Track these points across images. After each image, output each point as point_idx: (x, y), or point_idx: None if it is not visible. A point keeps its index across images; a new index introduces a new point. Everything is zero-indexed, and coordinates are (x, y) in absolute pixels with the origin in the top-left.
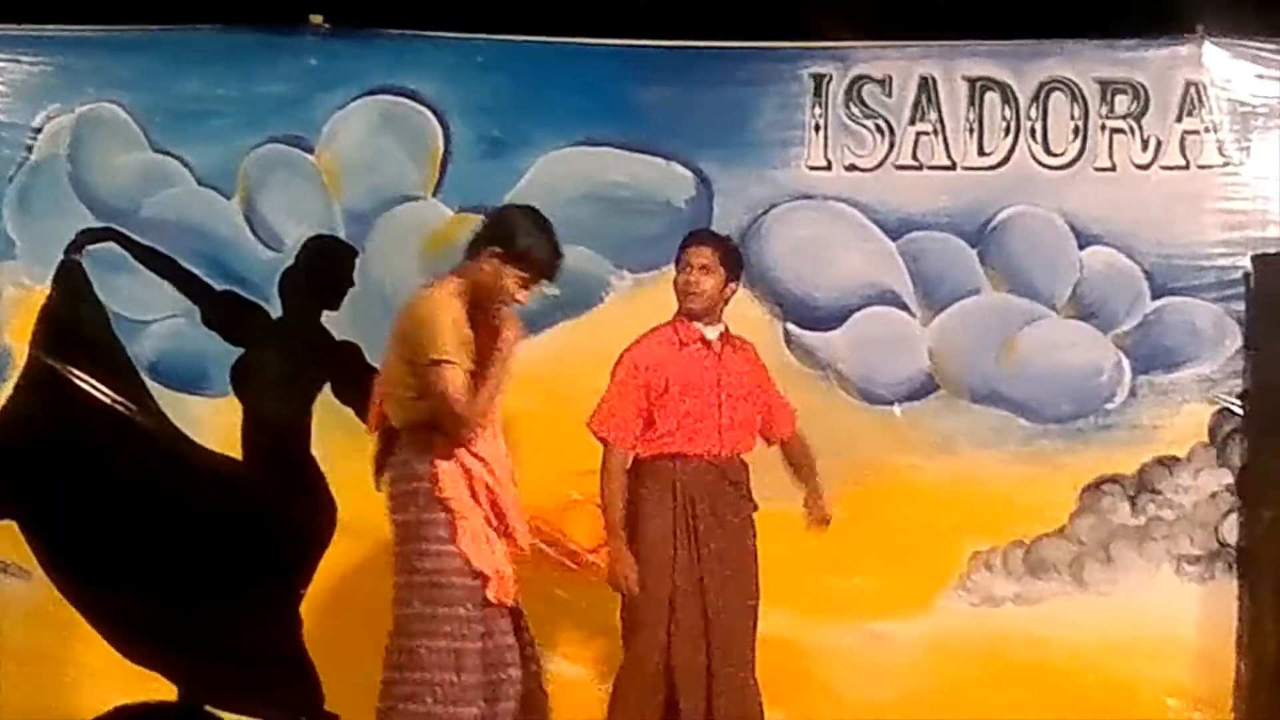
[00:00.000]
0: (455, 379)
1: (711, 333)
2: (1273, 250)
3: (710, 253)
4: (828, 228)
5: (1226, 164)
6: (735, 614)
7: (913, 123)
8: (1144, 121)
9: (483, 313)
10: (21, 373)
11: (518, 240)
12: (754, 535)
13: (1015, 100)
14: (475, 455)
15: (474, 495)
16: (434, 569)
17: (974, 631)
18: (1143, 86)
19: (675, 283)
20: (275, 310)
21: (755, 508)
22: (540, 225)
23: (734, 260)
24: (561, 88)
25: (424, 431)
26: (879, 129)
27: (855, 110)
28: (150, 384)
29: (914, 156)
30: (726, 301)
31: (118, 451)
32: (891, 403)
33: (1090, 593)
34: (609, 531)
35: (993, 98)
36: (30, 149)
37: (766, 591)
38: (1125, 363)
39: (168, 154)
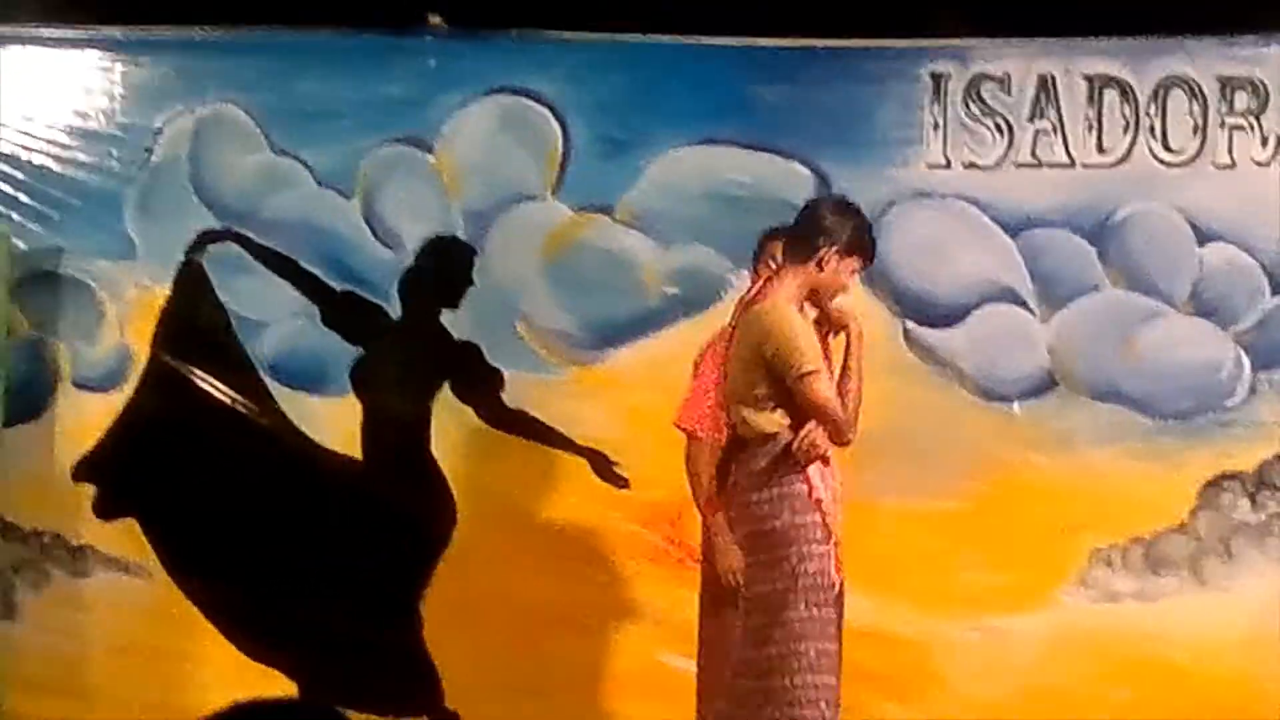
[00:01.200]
0: (826, 387)
1: None
2: None
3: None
4: (947, 226)
5: None
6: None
7: (1031, 120)
8: (1263, 118)
9: (817, 310)
10: (143, 372)
11: (852, 232)
12: None
13: (1134, 98)
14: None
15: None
16: (818, 570)
17: (1094, 628)
18: (1262, 84)
19: (753, 277)
20: (395, 310)
21: None
22: (858, 210)
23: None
24: (681, 86)
25: (780, 438)
26: (998, 127)
27: (974, 108)
28: (270, 384)
29: (1033, 154)
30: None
31: (238, 451)
32: (1011, 400)
33: (1210, 589)
34: (703, 514)
35: (1112, 95)
36: (151, 151)
37: (886, 586)
38: (1245, 359)
39: (287, 155)
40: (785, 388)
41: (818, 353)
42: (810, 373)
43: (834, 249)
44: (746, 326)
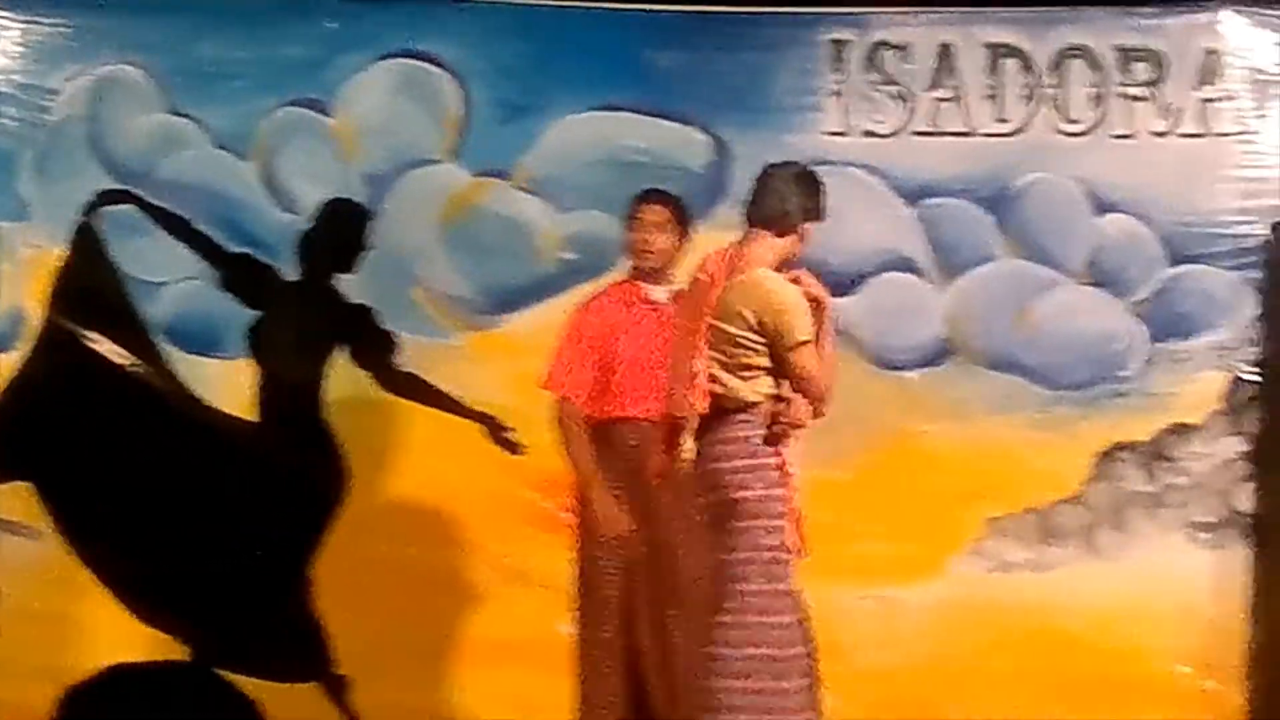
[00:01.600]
0: (815, 358)
1: (660, 293)
2: None
3: (663, 210)
4: (845, 193)
5: (1244, 132)
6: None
7: (931, 89)
8: (1162, 89)
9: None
10: (37, 334)
11: (821, 202)
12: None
13: (1034, 67)
14: None
15: None
16: (777, 545)
17: (987, 597)
18: (1161, 54)
19: (627, 241)
20: (291, 273)
21: None
22: (819, 179)
23: (688, 217)
24: (579, 52)
25: (762, 408)
26: (898, 95)
27: (874, 76)
28: (165, 346)
29: (932, 123)
30: (677, 262)
31: (131, 413)
32: (907, 369)
33: (1103, 559)
34: (586, 483)
35: (1011, 65)
36: (48, 110)
37: None
38: (1141, 330)
39: (185, 116)
40: (772, 358)
41: (810, 324)
42: (804, 342)
43: (814, 219)
44: (741, 295)
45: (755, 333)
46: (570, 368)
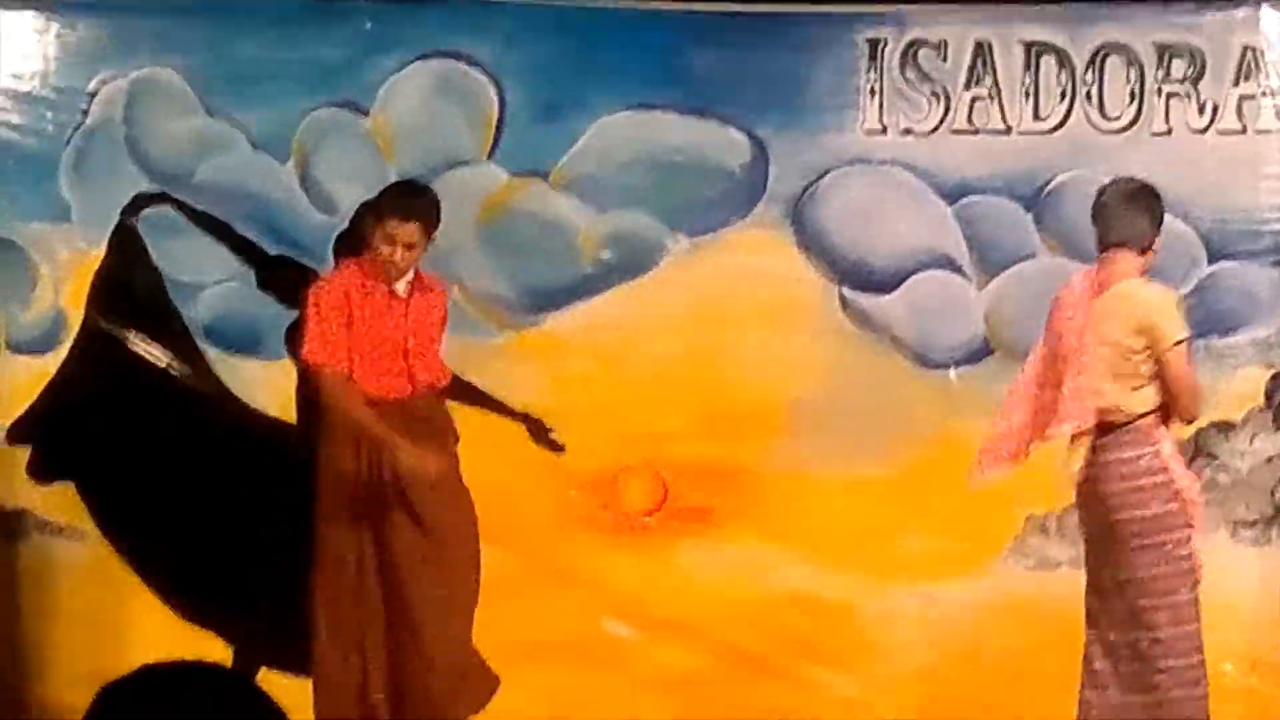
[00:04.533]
0: (1187, 358)
1: (400, 286)
2: None
3: (416, 229)
4: (883, 192)
5: None
6: (437, 555)
7: (968, 87)
8: (1200, 86)
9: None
10: (77, 336)
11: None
12: (457, 466)
13: (1071, 64)
14: None
15: None
16: (1191, 554)
17: (1029, 594)
18: (1199, 51)
19: (375, 244)
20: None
21: (456, 438)
22: None
23: (435, 218)
24: (617, 52)
25: (1146, 424)
26: (934, 94)
27: (910, 75)
28: (204, 347)
29: (969, 121)
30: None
31: (172, 414)
32: (947, 366)
33: None
34: (380, 435)
35: (1049, 62)
36: (86, 113)
37: (824, 553)
38: None
39: (222, 118)
40: (1154, 363)
41: (1184, 323)
42: (1183, 340)
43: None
44: (1116, 306)
45: (1137, 338)
46: (322, 336)
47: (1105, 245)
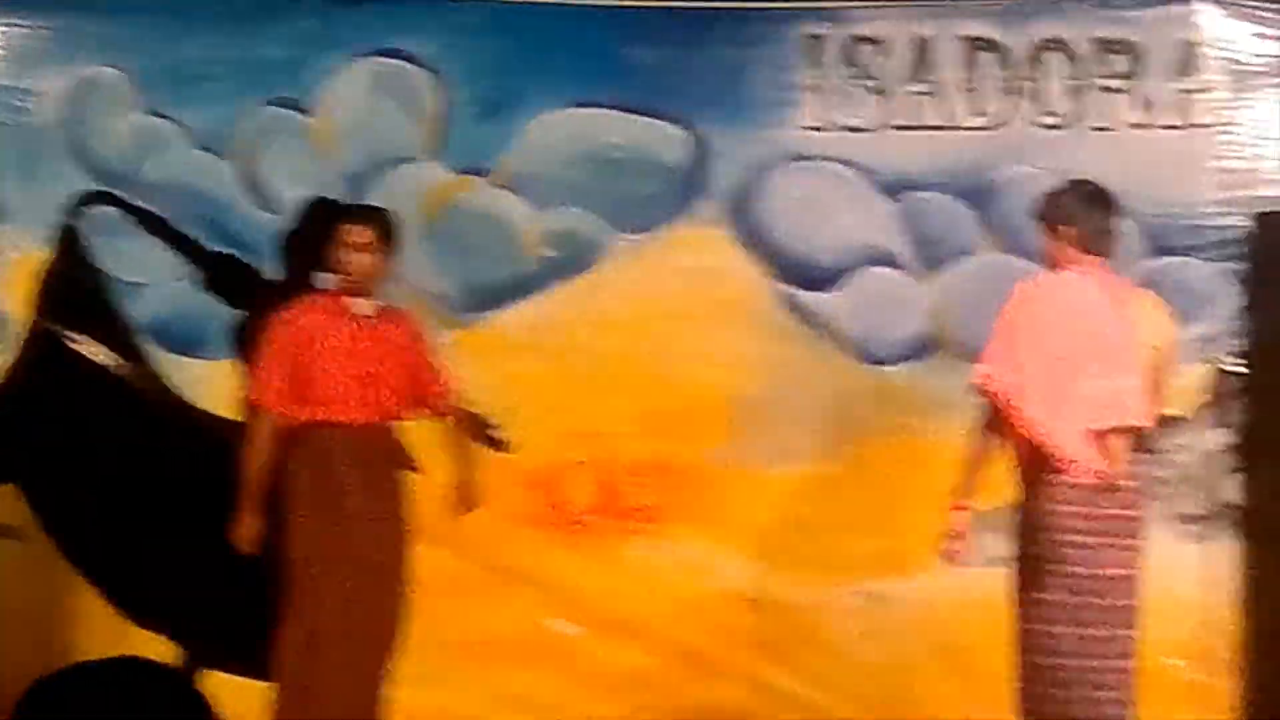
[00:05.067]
0: None
1: (364, 308)
2: (1272, 209)
3: (366, 230)
4: (824, 188)
5: (1223, 123)
6: (378, 581)
7: (908, 83)
8: (1140, 81)
9: None
10: (20, 337)
11: None
12: (404, 498)
13: (1011, 60)
14: None
15: None
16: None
17: (973, 592)
18: (1139, 45)
19: (333, 258)
20: (273, 272)
21: (410, 468)
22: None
23: (391, 232)
24: (557, 49)
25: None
26: (875, 89)
27: (851, 71)
28: (149, 347)
29: (911, 117)
30: (385, 275)
31: (117, 414)
32: (890, 363)
33: None
34: (242, 492)
35: (988, 58)
36: (27, 112)
37: (769, 552)
38: None
39: (165, 117)
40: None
41: None
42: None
43: None
44: (1153, 313)
45: (1155, 351)
46: (267, 374)
47: (1107, 250)
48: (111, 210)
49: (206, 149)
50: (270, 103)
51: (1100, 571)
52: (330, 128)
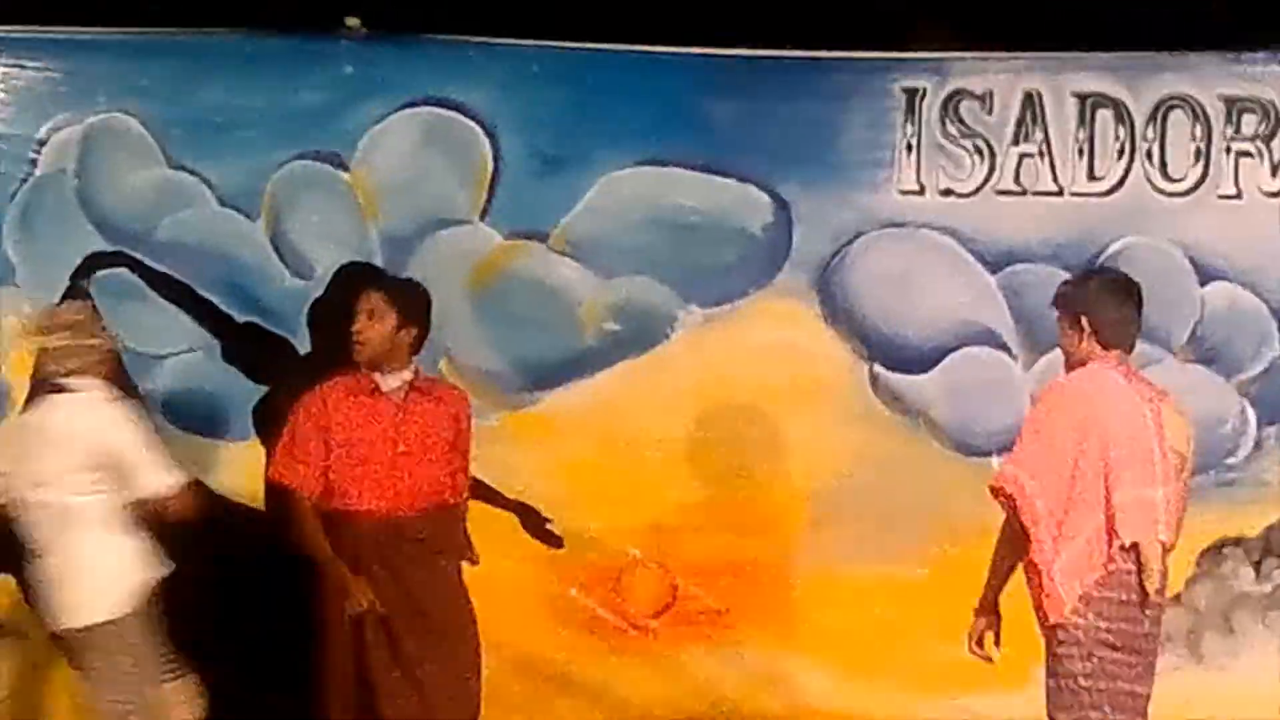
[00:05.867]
0: None
1: (391, 381)
2: None
3: (379, 298)
4: (920, 259)
5: None
6: (440, 676)
7: (1016, 143)
8: (1273, 144)
9: None
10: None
11: None
12: (457, 589)
13: (1130, 119)
14: None
15: None
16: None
17: None
18: (1272, 105)
19: (346, 328)
20: (304, 345)
21: (468, 559)
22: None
23: (411, 301)
24: (625, 101)
25: None
26: (978, 149)
27: (952, 129)
28: (163, 425)
29: (1017, 181)
30: (413, 348)
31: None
32: (990, 454)
33: (1208, 667)
34: (327, 564)
35: (1105, 116)
36: (34, 163)
37: (851, 663)
38: (1250, 412)
39: (186, 170)
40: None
41: None
42: None
43: None
44: (1177, 419)
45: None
46: (295, 456)
47: (1129, 345)
48: (125, 273)
49: (232, 207)
50: (304, 156)
51: (1125, 687)
52: (370, 184)
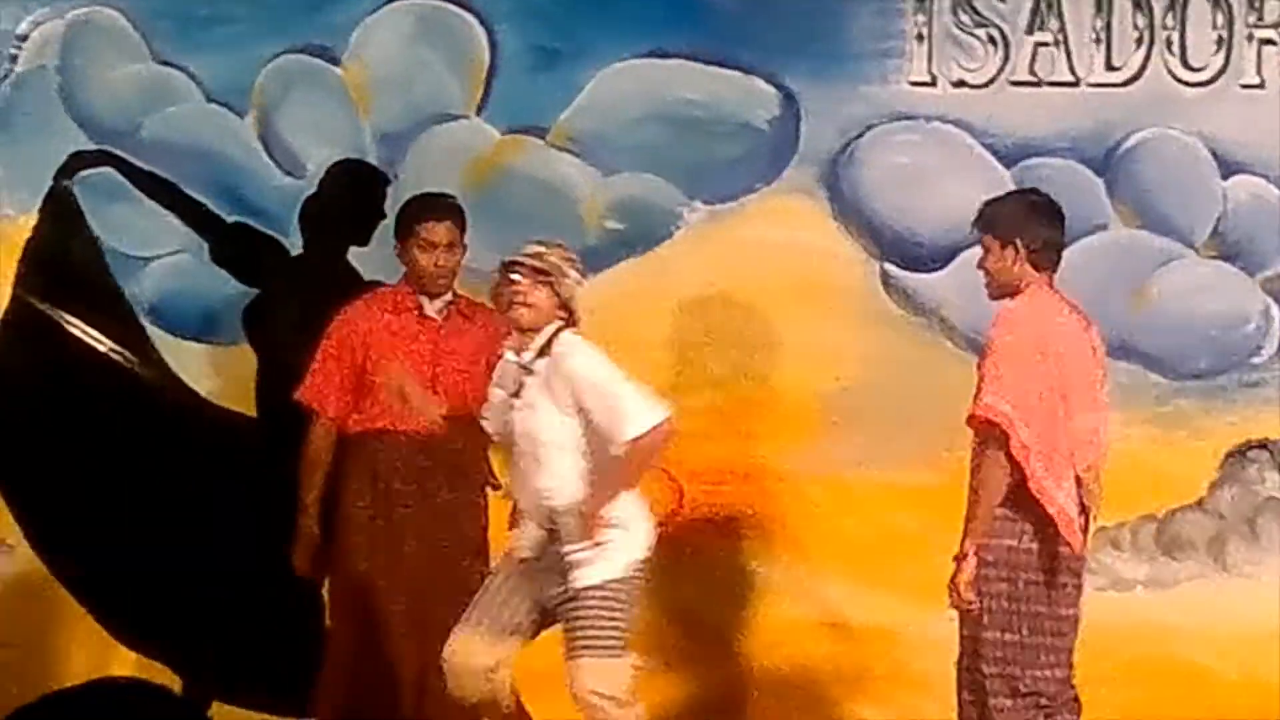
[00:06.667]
0: None
1: (434, 305)
2: None
3: (453, 228)
4: (932, 153)
5: None
6: (446, 600)
7: (1030, 32)
8: None
9: None
10: (3, 316)
11: None
12: (480, 515)
13: (1149, 6)
14: None
15: None
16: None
17: (1099, 619)
18: None
19: (408, 256)
20: (295, 245)
21: (491, 485)
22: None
23: (465, 223)
24: None
25: None
26: (991, 39)
27: (964, 17)
28: (150, 329)
29: (1032, 71)
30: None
31: (113, 406)
32: None
33: (1233, 575)
34: (300, 509)
35: (1123, 3)
36: (14, 59)
37: (860, 572)
38: (1275, 310)
39: (172, 66)
40: None
41: None
42: None
43: None
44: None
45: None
46: (325, 376)
47: (1056, 267)
48: (110, 172)
49: (220, 103)
50: (294, 50)
51: (1060, 611)
52: (363, 79)
